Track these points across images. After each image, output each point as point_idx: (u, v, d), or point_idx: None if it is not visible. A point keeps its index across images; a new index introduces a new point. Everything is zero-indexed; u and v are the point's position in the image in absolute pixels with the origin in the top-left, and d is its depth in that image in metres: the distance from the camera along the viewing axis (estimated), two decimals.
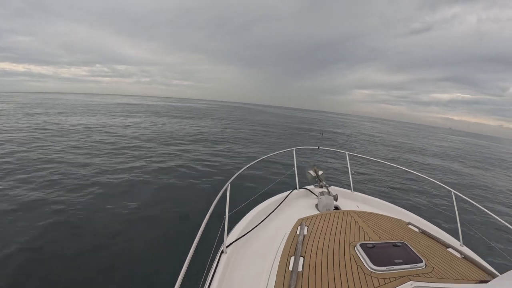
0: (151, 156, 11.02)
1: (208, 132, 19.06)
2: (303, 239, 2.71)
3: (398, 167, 4.93)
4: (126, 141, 13.72)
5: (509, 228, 3.03)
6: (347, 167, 4.95)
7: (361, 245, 2.58)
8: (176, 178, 8.18)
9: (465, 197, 3.65)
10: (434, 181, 4.23)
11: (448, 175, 14.08)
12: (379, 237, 2.86)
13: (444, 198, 8.81)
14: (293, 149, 4.89)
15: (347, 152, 5.18)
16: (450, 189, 3.80)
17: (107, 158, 10.29)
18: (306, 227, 3.00)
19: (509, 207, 9.80)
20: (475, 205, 3.46)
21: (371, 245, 2.59)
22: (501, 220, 3.13)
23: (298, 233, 2.86)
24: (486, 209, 3.36)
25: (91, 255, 4.49)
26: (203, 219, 2.28)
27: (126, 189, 7.20)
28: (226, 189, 2.89)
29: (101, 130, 17.08)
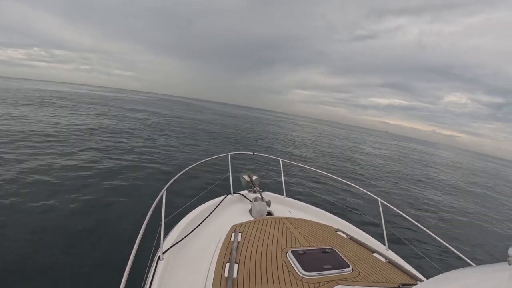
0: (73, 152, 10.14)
1: (133, 134, 18.05)
2: (237, 246, 2.84)
3: (329, 176, 5.31)
4: None
5: (430, 234, 3.43)
6: (281, 173, 5.24)
7: (292, 252, 2.76)
8: (108, 188, 7.71)
9: (390, 206, 4.09)
10: (363, 190, 4.67)
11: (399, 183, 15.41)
12: (310, 244, 3.07)
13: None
14: (228, 154, 5.03)
15: (281, 159, 5.49)
16: (377, 198, 4.25)
17: None
18: (240, 234, 3.14)
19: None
20: (400, 213, 3.92)
21: (301, 252, 2.78)
22: (423, 227, 3.53)
23: (232, 239, 2.98)
24: (410, 217, 3.79)
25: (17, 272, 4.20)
26: (141, 226, 2.31)
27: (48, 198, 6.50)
28: (162, 196, 2.93)
29: None
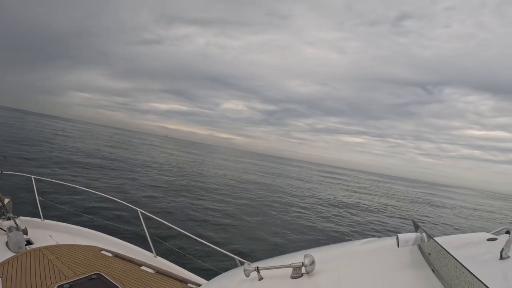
0: None
1: None
2: None
3: (89, 191, 5.54)
4: None
5: (191, 236, 4.20)
6: (35, 193, 4.96)
7: None
8: None
9: (150, 214, 4.59)
10: (122, 202, 5.02)
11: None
12: (75, 273, 3.09)
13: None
14: None
15: (33, 176, 5.19)
16: (137, 208, 4.64)
17: None
18: (0, 279, 2.90)
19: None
20: (160, 220, 4.48)
21: (68, 286, 2.79)
22: (182, 231, 4.23)
23: None
24: (170, 222, 4.42)
25: None
26: None
27: None
28: None
29: None
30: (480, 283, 0.91)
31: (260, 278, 1.54)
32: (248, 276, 1.56)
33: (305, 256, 1.46)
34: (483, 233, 1.79)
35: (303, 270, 1.47)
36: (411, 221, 1.74)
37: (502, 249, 1.30)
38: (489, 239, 1.64)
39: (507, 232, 1.78)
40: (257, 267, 1.55)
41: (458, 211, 38.74)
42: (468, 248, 1.58)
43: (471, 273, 0.97)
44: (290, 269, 1.49)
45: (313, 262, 1.43)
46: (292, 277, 1.47)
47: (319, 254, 1.60)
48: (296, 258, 1.53)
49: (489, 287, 0.88)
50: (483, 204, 60.31)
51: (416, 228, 1.56)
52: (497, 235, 1.74)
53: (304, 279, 1.44)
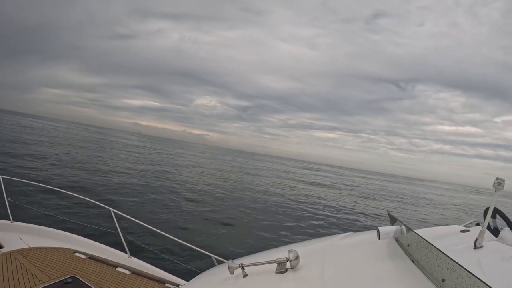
0: None
1: None
2: None
3: (59, 190, 5.38)
4: None
5: (165, 235, 4.11)
6: (3, 193, 4.80)
7: None
8: None
9: (122, 214, 4.49)
10: (94, 201, 4.90)
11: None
12: (49, 277, 3.00)
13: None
14: None
15: (0, 176, 5.00)
16: (109, 208, 4.53)
17: None
18: None
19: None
20: (133, 220, 4.40)
21: None
22: (156, 230, 4.15)
23: None
24: (144, 222, 4.34)
25: None
26: None
27: None
28: None
29: None
30: (462, 268, 1.00)
31: (245, 275, 1.54)
32: (232, 274, 1.56)
33: (289, 251, 1.47)
34: (455, 225, 1.90)
35: (288, 265, 1.49)
36: (387, 214, 1.79)
37: (476, 239, 1.40)
38: (462, 231, 1.74)
39: (477, 224, 1.98)
40: (241, 263, 1.55)
41: (470, 209, 37.62)
42: (444, 239, 1.64)
43: (452, 260, 1.04)
44: (275, 265, 1.51)
45: (297, 257, 1.45)
46: (277, 273, 1.49)
47: (302, 248, 1.61)
48: (280, 253, 1.54)
49: (470, 271, 0.97)
50: (477, 200, 58.59)
51: (393, 221, 1.60)
52: (468, 227, 1.85)
53: (289, 274, 1.46)
